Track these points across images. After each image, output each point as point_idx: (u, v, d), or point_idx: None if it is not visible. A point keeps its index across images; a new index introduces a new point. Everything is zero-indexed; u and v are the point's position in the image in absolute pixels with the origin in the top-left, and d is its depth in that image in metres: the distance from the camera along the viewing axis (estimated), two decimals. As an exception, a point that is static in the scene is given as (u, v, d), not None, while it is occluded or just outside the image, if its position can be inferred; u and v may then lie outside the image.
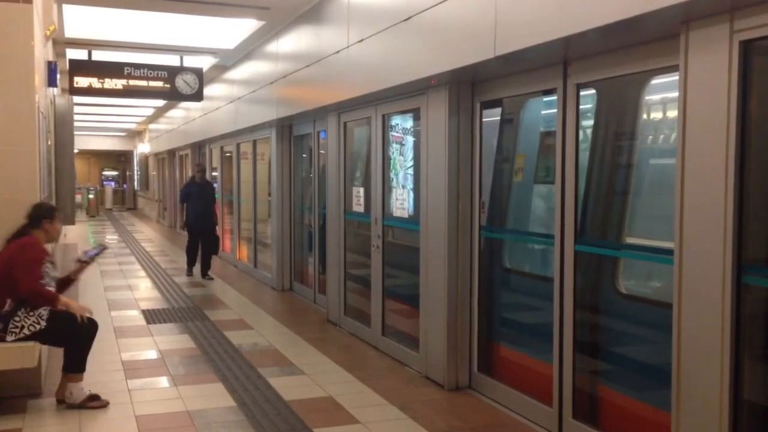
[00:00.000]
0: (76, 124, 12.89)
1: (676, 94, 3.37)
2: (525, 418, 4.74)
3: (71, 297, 5.27)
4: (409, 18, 5.27)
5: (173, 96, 9.99)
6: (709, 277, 3.18)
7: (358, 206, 7.11)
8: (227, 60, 11.13)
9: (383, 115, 6.46)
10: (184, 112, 16.94)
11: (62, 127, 7.81)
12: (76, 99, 12.01)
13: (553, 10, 3.73)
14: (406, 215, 6.25)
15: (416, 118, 6.11)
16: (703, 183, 3.20)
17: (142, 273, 11.73)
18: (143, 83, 9.63)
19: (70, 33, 8.99)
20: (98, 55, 9.97)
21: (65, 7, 7.77)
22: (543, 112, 4.95)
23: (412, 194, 6.22)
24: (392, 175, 6.52)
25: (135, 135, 30.02)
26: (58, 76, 7.98)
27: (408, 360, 6.03)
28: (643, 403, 4.05)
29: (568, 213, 4.26)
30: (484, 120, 5.36)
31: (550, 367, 4.48)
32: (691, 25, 3.23)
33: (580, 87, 4.18)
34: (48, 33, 6.64)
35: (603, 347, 4.41)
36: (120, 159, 36.83)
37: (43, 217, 4.98)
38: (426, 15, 5.05)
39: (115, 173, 37.16)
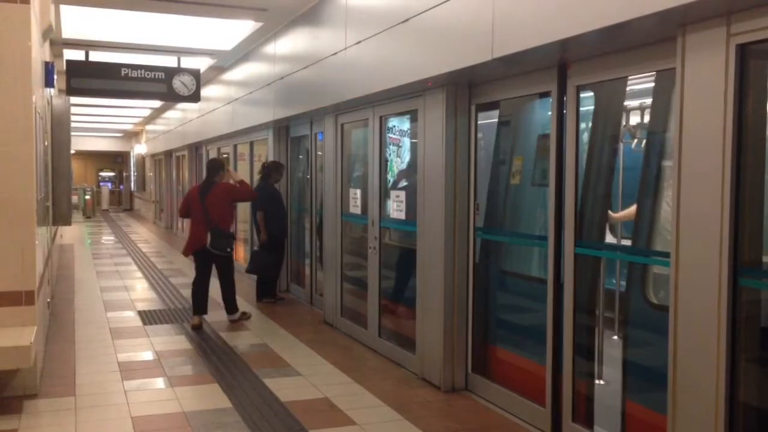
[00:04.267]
0: (73, 124, 12.91)
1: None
2: (521, 420, 4.75)
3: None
4: (407, 20, 5.28)
5: (170, 97, 9.96)
6: (705, 279, 3.18)
7: (355, 208, 7.12)
8: (224, 61, 11.13)
9: (380, 117, 6.46)
10: (181, 113, 16.92)
11: (59, 127, 7.77)
12: (73, 100, 12.01)
13: (551, 13, 3.74)
14: (403, 217, 6.26)
15: (413, 119, 6.12)
16: (699, 185, 3.20)
17: (139, 274, 11.71)
18: (140, 84, 9.60)
19: (67, 34, 8.98)
20: (95, 56, 9.95)
21: (62, 7, 7.76)
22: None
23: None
24: (389, 176, 6.52)
25: (132, 136, 29.98)
26: (55, 76, 7.95)
27: (404, 361, 6.04)
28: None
29: (568, 216, 4.25)
30: (490, 121, 5.38)
31: (545, 369, 4.50)
32: (688, 28, 3.24)
33: (580, 89, 4.17)
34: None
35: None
36: (117, 160, 36.78)
37: (220, 169, 7.78)
38: (423, 17, 5.05)
39: (111, 174, 37.09)
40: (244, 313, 7.96)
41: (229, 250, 7.60)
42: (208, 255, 7.56)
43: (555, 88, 4.33)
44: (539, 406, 4.57)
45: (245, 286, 9.79)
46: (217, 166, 7.85)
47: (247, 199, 8.17)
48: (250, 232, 10.95)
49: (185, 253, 7.80)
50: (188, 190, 8.31)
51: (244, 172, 12.14)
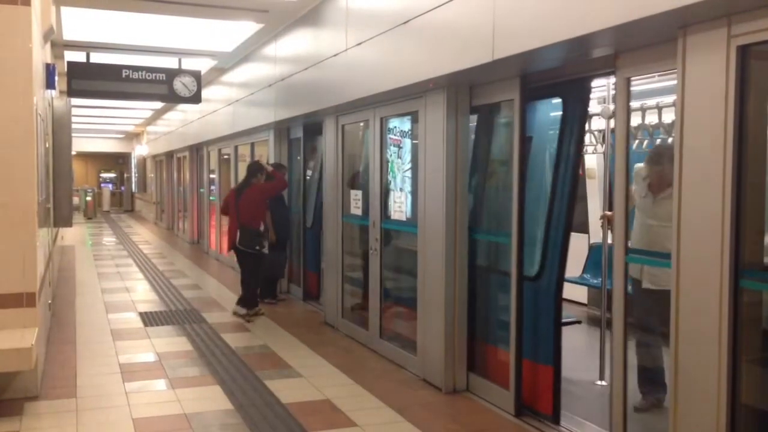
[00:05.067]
0: (74, 126, 12.91)
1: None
2: (522, 421, 4.75)
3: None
4: (407, 21, 5.28)
5: (171, 98, 9.96)
6: (706, 281, 3.18)
7: (357, 209, 7.11)
8: (225, 62, 11.13)
9: (381, 118, 6.46)
10: (182, 114, 16.93)
11: (60, 129, 7.79)
12: (74, 101, 12.02)
13: (553, 14, 3.73)
14: (404, 218, 6.25)
15: (414, 121, 6.12)
16: (701, 187, 3.20)
17: (140, 275, 11.71)
18: (141, 86, 9.60)
19: (68, 35, 8.99)
20: (96, 58, 9.96)
21: (63, 9, 7.76)
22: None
23: (410, 197, 6.22)
24: (390, 177, 6.52)
25: (133, 137, 29.99)
26: (56, 78, 7.96)
27: (405, 363, 6.03)
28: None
29: (618, 222, 3.95)
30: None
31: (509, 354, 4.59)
32: (689, 29, 3.24)
33: (630, 81, 3.90)
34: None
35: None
36: (118, 161, 36.79)
37: (258, 171, 8.21)
38: (424, 18, 5.05)
39: (112, 175, 37.11)
40: (255, 313, 8.09)
41: (258, 248, 7.97)
42: (239, 252, 8.05)
43: (517, 96, 4.65)
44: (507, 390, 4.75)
45: (246, 287, 9.78)
46: (255, 169, 8.28)
47: (281, 191, 8.55)
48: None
49: (229, 249, 8.43)
50: (229, 190, 9.26)
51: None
